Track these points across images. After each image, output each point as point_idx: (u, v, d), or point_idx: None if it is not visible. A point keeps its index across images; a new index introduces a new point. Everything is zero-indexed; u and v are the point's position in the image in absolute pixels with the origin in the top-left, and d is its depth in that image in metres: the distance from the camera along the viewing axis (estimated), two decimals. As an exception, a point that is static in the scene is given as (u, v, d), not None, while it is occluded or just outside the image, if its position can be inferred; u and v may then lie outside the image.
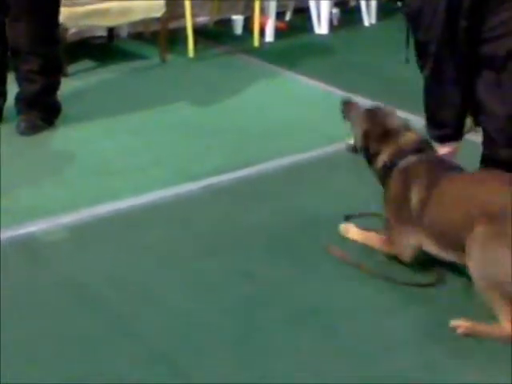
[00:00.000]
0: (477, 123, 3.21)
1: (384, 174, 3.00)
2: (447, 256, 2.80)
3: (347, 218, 3.28)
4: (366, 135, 3.04)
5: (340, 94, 5.13)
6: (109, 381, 2.37)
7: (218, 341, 2.58)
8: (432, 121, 3.18)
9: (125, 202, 3.52)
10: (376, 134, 3.01)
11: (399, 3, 3.13)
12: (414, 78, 3.32)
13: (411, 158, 2.93)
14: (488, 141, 3.17)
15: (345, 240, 3.16)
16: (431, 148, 3.02)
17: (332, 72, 5.65)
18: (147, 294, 2.83)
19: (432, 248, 2.83)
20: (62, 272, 2.96)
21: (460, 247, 2.64)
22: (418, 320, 2.74)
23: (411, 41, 3.28)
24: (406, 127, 3.04)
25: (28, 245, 3.13)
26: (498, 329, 2.57)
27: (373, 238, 3.07)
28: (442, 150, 3.20)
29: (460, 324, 2.63)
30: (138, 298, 2.81)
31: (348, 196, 3.59)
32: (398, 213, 2.90)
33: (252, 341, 2.60)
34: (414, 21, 3.05)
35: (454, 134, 3.16)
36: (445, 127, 3.13)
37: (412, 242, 2.88)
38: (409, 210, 2.84)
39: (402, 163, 2.94)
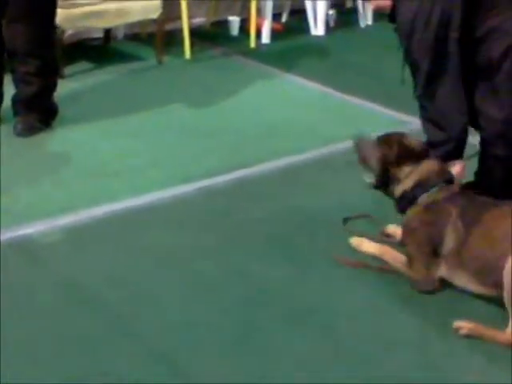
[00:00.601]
0: (474, 127, 3.20)
1: (404, 204, 2.95)
2: (488, 292, 2.75)
3: (345, 221, 3.28)
4: (383, 159, 2.96)
5: (336, 95, 5.16)
6: (108, 381, 2.38)
7: (217, 341, 2.59)
8: (432, 141, 3.14)
9: (122, 204, 3.52)
10: (394, 155, 2.94)
11: (393, 25, 3.10)
12: (411, 79, 3.32)
13: (436, 192, 2.90)
14: (486, 142, 3.18)
15: (345, 242, 3.16)
16: (451, 175, 2.99)
17: (328, 73, 5.66)
18: (146, 295, 2.84)
19: (471, 284, 2.79)
20: (61, 273, 2.96)
21: (500, 283, 2.62)
22: (418, 320, 2.75)
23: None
24: (424, 151, 2.99)
25: (26, 246, 3.13)
26: (502, 334, 2.59)
27: (392, 255, 3.00)
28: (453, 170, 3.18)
29: (463, 325, 2.63)
30: (137, 298, 2.82)
31: (345, 197, 3.59)
32: (424, 250, 2.86)
33: (251, 341, 2.61)
34: (407, 39, 3.04)
35: (454, 152, 3.13)
36: (444, 146, 3.11)
37: (439, 275, 2.85)
38: (440, 247, 2.81)
39: (428, 197, 2.90)
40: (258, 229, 3.33)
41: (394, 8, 3.07)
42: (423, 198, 2.91)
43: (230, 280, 2.95)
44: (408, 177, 2.94)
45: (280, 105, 5.00)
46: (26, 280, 2.88)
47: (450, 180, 2.96)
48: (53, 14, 4.24)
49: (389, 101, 4.71)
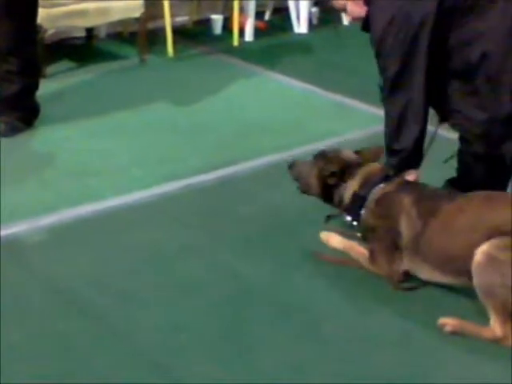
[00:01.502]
0: (452, 127, 3.21)
1: (356, 208, 2.99)
2: (452, 281, 2.79)
3: (328, 218, 3.28)
4: (322, 174, 3.04)
5: (320, 92, 5.16)
6: (91, 381, 2.37)
7: (202, 340, 2.59)
8: (389, 148, 3.16)
9: (106, 203, 3.51)
10: (334, 167, 3.01)
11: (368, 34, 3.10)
12: None
13: (383, 187, 2.95)
14: (465, 141, 3.19)
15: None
16: (397, 174, 3.05)
17: (312, 71, 5.67)
18: (130, 295, 2.83)
19: (434, 275, 2.82)
20: (45, 273, 2.95)
21: (467, 272, 2.64)
22: (402, 318, 2.76)
23: None
24: (368, 157, 3.08)
25: (9, 246, 3.11)
26: (487, 330, 2.60)
27: (357, 251, 3.03)
28: (408, 175, 3.19)
29: (447, 322, 2.65)
30: (121, 298, 2.80)
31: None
32: (383, 244, 2.90)
33: (236, 340, 2.61)
34: (378, 45, 3.04)
35: (412, 162, 3.14)
36: (401, 154, 3.12)
37: (402, 268, 2.88)
38: (398, 239, 2.84)
39: (375, 193, 2.95)
40: (242, 227, 3.32)
41: (367, 17, 3.08)
42: (372, 196, 2.95)
43: (214, 279, 2.95)
44: (353, 180, 3.00)
45: (263, 103, 5.00)
46: (10, 280, 2.86)
47: (392, 175, 3.02)
48: (34, 12, 4.21)
49: (371, 98, 4.70)
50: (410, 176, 3.14)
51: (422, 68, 2.97)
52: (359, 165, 3.04)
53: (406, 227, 2.83)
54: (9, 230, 3.22)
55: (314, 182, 3.09)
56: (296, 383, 2.42)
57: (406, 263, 2.86)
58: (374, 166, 3.06)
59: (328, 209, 3.35)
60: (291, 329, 2.67)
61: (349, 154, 3.09)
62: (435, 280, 2.84)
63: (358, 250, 3.03)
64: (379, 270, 2.93)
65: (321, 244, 3.13)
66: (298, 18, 6.82)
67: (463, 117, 3.05)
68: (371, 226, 2.95)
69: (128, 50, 5.92)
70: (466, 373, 2.49)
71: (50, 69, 5.26)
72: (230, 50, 6.17)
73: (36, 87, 4.35)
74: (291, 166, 3.19)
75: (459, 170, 3.34)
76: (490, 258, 2.57)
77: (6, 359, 2.43)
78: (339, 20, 7.07)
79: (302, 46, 6.45)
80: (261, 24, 6.79)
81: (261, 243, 3.21)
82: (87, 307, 2.75)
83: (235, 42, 6.33)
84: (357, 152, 3.12)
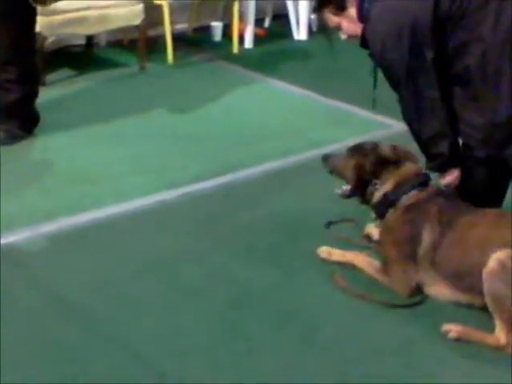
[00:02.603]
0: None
1: (383, 208, 2.97)
2: (464, 299, 2.78)
3: (329, 225, 3.28)
4: (358, 167, 3.00)
5: (320, 99, 5.16)
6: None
7: (201, 345, 2.58)
8: (425, 152, 3.14)
9: (105, 211, 3.51)
10: (370, 163, 2.98)
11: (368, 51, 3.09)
12: (381, 99, 3.32)
13: (416, 194, 2.93)
14: (466, 145, 3.19)
15: (330, 246, 3.15)
16: (430, 179, 3.03)
17: (311, 77, 5.66)
18: (130, 301, 2.82)
19: (445, 291, 2.81)
20: (44, 281, 2.94)
21: (476, 288, 2.64)
22: (403, 324, 2.75)
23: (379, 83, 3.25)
24: (404, 156, 3.04)
25: (9, 254, 3.10)
26: (491, 338, 2.60)
27: (362, 261, 3.02)
28: (445, 179, 3.18)
29: (452, 328, 2.64)
30: (121, 305, 2.80)
31: (330, 201, 3.57)
32: (403, 251, 2.88)
33: (236, 345, 2.60)
34: (380, 60, 3.03)
35: (449, 162, 3.14)
36: (439, 156, 3.11)
37: (414, 281, 2.86)
38: (416, 249, 2.83)
39: (407, 199, 2.93)
40: (242, 233, 3.32)
41: (364, 34, 3.07)
42: (403, 201, 2.93)
43: (214, 285, 2.94)
44: (387, 181, 2.97)
45: (263, 110, 5.00)
46: (10, 287, 2.85)
47: (427, 181, 3.00)
48: (33, 21, 4.21)
49: (371, 104, 4.70)
50: (451, 175, 3.13)
51: (432, 74, 2.95)
52: (396, 163, 3.00)
53: (427, 236, 2.82)
54: (8, 238, 3.21)
55: (349, 175, 3.04)
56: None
57: (419, 276, 2.85)
58: (411, 169, 3.00)
59: (328, 215, 3.36)
60: (291, 334, 2.67)
61: (386, 150, 3.03)
62: (445, 297, 2.82)
63: (366, 260, 3.01)
64: (391, 281, 2.90)
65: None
66: (297, 24, 6.82)
67: (464, 123, 3.04)
68: (393, 229, 2.93)
69: (128, 57, 5.93)
70: (469, 380, 2.48)
71: (49, 77, 5.27)
72: (230, 57, 6.17)
73: (35, 95, 4.35)
74: (326, 158, 3.16)
75: (460, 174, 3.33)
76: (503, 266, 2.56)
77: (6, 365, 2.43)
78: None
79: (301, 52, 6.45)
80: (260, 31, 6.79)
81: (261, 249, 3.21)
82: (87, 314, 2.75)
83: (235, 49, 6.33)
84: (394, 148, 3.06)
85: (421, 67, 2.93)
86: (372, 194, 3.01)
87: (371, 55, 3.09)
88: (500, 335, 2.58)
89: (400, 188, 2.95)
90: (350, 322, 2.76)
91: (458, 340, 2.62)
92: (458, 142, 3.10)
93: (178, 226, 3.40)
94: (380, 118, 4.65)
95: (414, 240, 2.84)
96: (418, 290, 2.88)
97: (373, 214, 3.07)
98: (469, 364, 2.55)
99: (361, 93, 5.07)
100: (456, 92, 3.01)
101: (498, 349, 2.57)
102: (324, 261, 3.08)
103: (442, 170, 3.13)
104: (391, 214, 2.95)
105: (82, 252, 3.17)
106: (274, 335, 2.66)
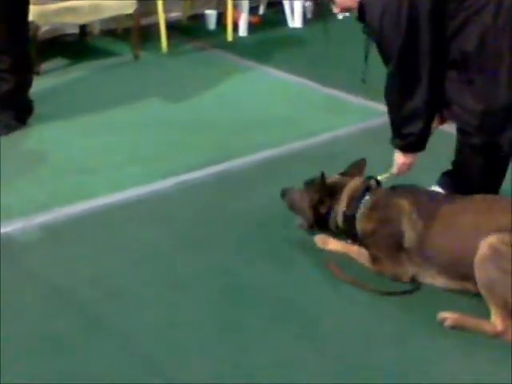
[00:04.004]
0: (451, 118, 3.19)
1: (349, 225, 3.03)
2: (456, 286, 2.78)
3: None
4: (313, 205, 3.10)
5: (315, 87, 5.15)
6: (86, 380, 2.36)
7: (196, 339, 2.58)
8: (396, 130, 3.15)
9: (100, 201, 3.50)
10: (322, 197, 3.08)
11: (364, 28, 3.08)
12: (372, 77, 3.30)
13: (370, 197, 2.99)
14: (462, 132, 3.18)
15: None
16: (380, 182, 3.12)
17: (306, 65, 5.65)
18: (124, 293, 2.82)
19: (438, 279, 2.82)
20: (39, 271, 2.94)
21: (470, 275, 2.65)
22: (400, 314, 2.75)
23: (369, 58, 3.24)
24: (351, 174, 3.15)
25: (3, 245, 3.09)
26: (487, 324, 2.60)
27: (356, 251, 3.03)
28: (401, 159, 3.19)
29: (447, 316, 2.65)
30: (115, 296, 2.79)
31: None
32: (387, 248, 2.89)
33: (231, 337, 2.60)
34: (378, 36, 3.02)
35: (418, 144, 3.14)
36: (408, 136, 3.11)
37: (409, 270, 2.87)
38: (401, 243, 2.85)
39: (367, 203, 2.98)
40: (238, 224, 3.31)
41: (361, 7, 3.05)
42: (363, 206, 3.00)
43: (210, 276, 2.94)
44: (340, 203, 3.06)
45: (258, 98, 4.98)
46: (5, 278, 2.84)
47: (378, 183, 3.11)
48: (25, 10, 4.19)
49: (367, 92, 4.69)
50: (405, 158, 3.15)
51: (427, 43, 2.93)
52: (343, 186, 3.09)
53: (408, 228, 2.83)
54: (3, 229, 3.20)
55: (307, 212, 3.14)
56: (293, 380, 2.41)
57: (411, 265, 2.86)
58: (355, 183, 3.09)
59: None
60: (288, 325, 2.66)
61: (334, 179, 3.14)
62: (440, 285, 2.83)
63: (358, 250, 3.03)
64: (385, 273, 2.92)
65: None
66: (292, 12, 6.80)
67: (460, 108, 3.03)
68: (370, 230, 2.96)
69: (122, 46, 5.90)
70: (466, 368, 2.48)
71: (43, 66, 5.25)
72: (224, 45, 6.16)
73: (29, 85, 4.33)
74: (284, 194, 3.25)
75: (456, 162, 3.32)
76: (495, 251, 2.57)
77: (2, 358, 2.42)
78: (334, 14, 7.06)
79: (296, 40, 6.43)
80: (255, 19, 6.77)
81: (256, 239, 3.20)
82: (82, 305, 2.74)
83: (229, 37, 6.31)
84: (342, 173, 3.18)
85: (416, 43, 2.91)
86: (336, 222, 3.08)
87: (366, 28, 3.06)
88: (496, 322, 2.58)
89: (353, 200, 3.03)
90: (347, 312, 2.76)
91: (454, 328, 2.62)
92: (429, 127, 3.10)
93: (172, 216, 3.39)
94: (376, 106, 4.64)
95: (394, 235, 2.86)
96: (412, 278, 2.89)
97: (348, 241, 3.10)
98: (466, 352, 2.55)
99: (356, 81, 5.06)
100: (452, 76, 2.99)
101: (496, 336, 2.57)
102: (319, 250, 3.08)
103: (405, 150, 3.15)
104: (360, 223, 2.99)
105: (77, 242, 3.16)
106: (269, 326, 2.65)
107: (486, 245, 2.59)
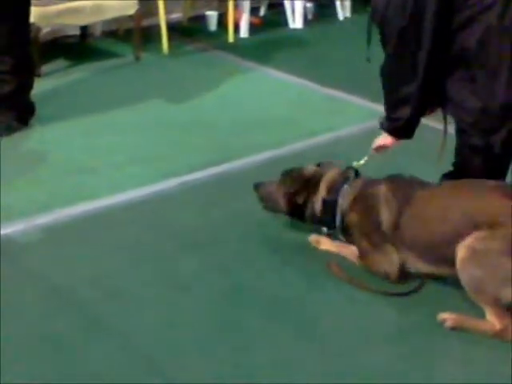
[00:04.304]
0: (448, 114, 3.20)
1: (327, 212, 3.04)
2: (436, 270, 2.80)
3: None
4: (288, 196, 3.11)
5: (315, 88, 5.15)
6: (86, 380, 2.37)
7: (196, 338, 2.58)
8: (387, 112, 3.16)
9: (101, 201, 3.50)
10: (298, 185, 3.09)
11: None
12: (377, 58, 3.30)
13: (351, 186, 3.01)
14: (462, 132, 3.18)
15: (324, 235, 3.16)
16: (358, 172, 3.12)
17: (307, 66, 5.65)
18: (125, 293, 2.82)
19: (418, 265, 2.83)
20: (40, 272, 2.94)
21: (449, 260, 2.66)
22: (398, 312, 2.75)
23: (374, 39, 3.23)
24: (328, 166, 3.17)
25: (4, 246, 3.09)
26: (486, 324, 2.60)
27: (348, 251, 3.04)
28: (382, 141, 3.21)
29: (447, 317, 2.65)
30: (116, 297, 2.80)
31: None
32: (374, 238, 2.90)
33: (231, 337, 2.60)
34: (381, 27, 3.02)
35: (405, 130, 3.15)
36: (397, 123, 3.12)
37: (396, 258, 2.87)
38: (381, 231, 2.86)
39: (348, 195, 3.00)
40: (238, 224, 3.32)
41: None
42: (345, 197, 3.00)
43: (210, 276, 2.94)
44: (318, 192, 3.07)
45: (259, 99, 4.99)
46: (5, 279, 2.85)
47: (357, 173, 3.10)
48: (27, 11, 4.20)
49: (367, 93, 4.70)
50: (388, 142, 3.19)
51: (429, 29, 2.92)
52: (321, 176, 3.11)
53: (386, 215, 2.85)
54: (4, 230, 3.21)
55: (282, 202, 3.15)
56: (292, 380, 2.41)
57: (396, 256, 2.86)
58: (334, 173, 3.11)
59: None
60: (287, 325, 2.67)
61: (310, 170, 3.16)
62: (423, 271, 2.84)
63: (349, 250, 3.04)
64: (374, 266, 2.92)
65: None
66: (293, 13, 6.81)
67: (458, 104, 3.04)
68: (353, 225, 2.97)
69: (123, 47, 5.91)
70: (465, 368, 2.49)
71: (44, 67, 5.25)
72: (225, 47, 6.16)
73: (31, 86, 4.34)
74: (257, 187, 3.25)
75: (456, 163, 3.32)
76: (473, 251, 2.57)
77: (2, 358, 2.42)
78: (335, 15, 7.07)
79: (297, 41, 6.44)
80: (256, 20, 6.78)
81: (257, 239, 3.21)
82: (82, 306, 2.75)
83: (230, 38, 6.32)
84: (318, 165, 3.20)
85: (418, 28, 2.90)
86: (313, 210, 3.09)
87: (371, 17, 3.06)
88: (493, 321, 2.58)
89: (333, 188, 3.04)
90: (346, 312, 2.76)
91: (454, 329, 2.62)
92: (419, 116, 3.10)
93: (172, 217, 3.39)
94: (376, 107, 4.64)
95: (376, 224, 2.87)
96: (406, 275, 2.89)
97: (324, 229, 3.12)
98: (466, 351, 2.56)
99: (357, 81, 5.11)
100: (454, 72, 2.99)
101: (496, 336, 2.57)
102: (319, 250, 3.08)
103: (391, 133, 3.17)
104: (345, 216, 3.00)
105: (78, 243, 3.16)
106: (269, 326, 2.66)
107: (463, 248, 2.60)
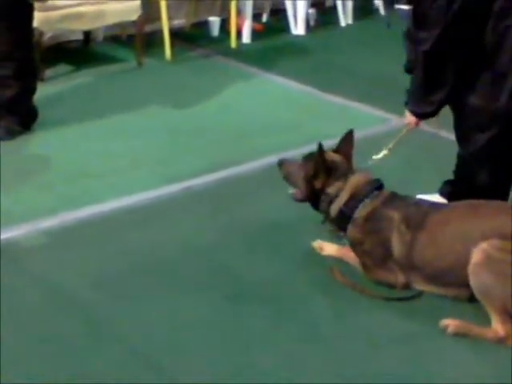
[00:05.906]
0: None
1: (342, 223, 2.98)
2: (447, 292, 2.80)
3: (325, 220, 3.21)
4: (309, 178, 3.02)
5: (318, 94, 5.16)
6: (85, 380, 2.38)
7: (201, 340, 2.59)
8: (417, 97, 3.11)
9: (105, 206, 3.51)
10: (319, 171, 2.99)
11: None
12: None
13: (370, 203, 2.93)
14: (461, 140, 3.19)
15: (330, 240, 3.16)
16: (380, 183, 3.02)
17: (309, 72, 5.66)
18: (130, 297, 2.83)
19: (426, 286, 2.83)
20: (44, 276, 2.94)
21: (460, 283, 2.67)
22: (403, 317, 2.75)
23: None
24: (340, 153, 3.08)
25: (8, 250, 3.10)
26: (489, 330, 2.60)
27: (352, 257, 3.03)
28: (410, 118, 3.20)
29: (450, 323, 2.65)
30: (121, 300, 2.80)
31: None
32: (377, 258, 2.90)
33: (235, 339, 2.61)
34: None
35: (433, 113, 3.14)
36: (430, 104, 3.09)
37: (401, 277, 2.87)
38: (391, 254, 2.84)
39: (362, 209, 2.93)
40: (242, 228, 3.33)
41: None
42: (360, 211, 2.93)
43: (214, 279, 2.95)
44: (340, 194, 2.97)
45: (261, 104, 4.99)
46: (9, 283, 2.85)
47: (379, 187, 3.00)
48: (30, 17, 4.21)
49: (369, 99, 4.71)
50: (414, 119, 3.17)
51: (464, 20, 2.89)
52: (345, 170, 3.02)
53: (397, 243, 2.83)
54: (8, 234, 3.21)
55: (301, 185, 3.07)
56: (294, 382, 2.41)
57: (401, 275, 2.86)
58: (361, 178, 3.01)
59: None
60: (292, 328, 2.67)
61: (332, 157, 3.05)
62: (431, 292, 2.84)
63: (353, 256, 3.02)
64: (378, 280, 2.92)
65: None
66: (295, 19, 6.82)
67: (458, 99, 3.04)
68: (359, 241, 2.95)
69: (125, 53, 5.91)
70: (468, 373, 2.49)
71: (47, 72, 5.26)
72: (228, 52, 6.17)
73: (33, 91, 4.34)
74: (280, 164, 3.17)
75: (458, 172, 3.32)
76: (488, 257, 2.58)
77: (5, 361, 2.42)
78: (337, 21, 7.08)
79: (299, 47, 6.45)
80: (258, 26, 6.78)
81: (261, 244, 3.21)
82: (87, 310, 2.75)
83: (233, 44, 6.33)
84: (335, 151, 3.10)
85: (457, 13, 2.86)
86: (328, 206, 3.00)
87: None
88: (498, 327, 2.58)
89: (354, 200, 2.95)
90: (350, 317, 2.76)
91: (456, 335, 2.62)
92: (452, 100, 3.08)
93: (177, 221, 3.40)
94: (378, 113, 4.66)
95: (384, 246, 2.86)
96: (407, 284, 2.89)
97: (330, 226, 3.07)
98: (469, 357, 2.56)
99: (359, 87, 5.12)
100: (481, 68, 2.98)
101: (498, 342, 2.57)
102: (322, 255, 3.09)
103: (421, 117, 3.16)
104: (351, 228, 2.95)
105: (82, 247, 3.16)
106: (273, 329, 2.66)
107: (478, 252, 2.60)
